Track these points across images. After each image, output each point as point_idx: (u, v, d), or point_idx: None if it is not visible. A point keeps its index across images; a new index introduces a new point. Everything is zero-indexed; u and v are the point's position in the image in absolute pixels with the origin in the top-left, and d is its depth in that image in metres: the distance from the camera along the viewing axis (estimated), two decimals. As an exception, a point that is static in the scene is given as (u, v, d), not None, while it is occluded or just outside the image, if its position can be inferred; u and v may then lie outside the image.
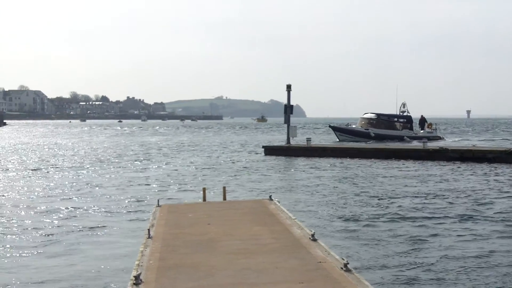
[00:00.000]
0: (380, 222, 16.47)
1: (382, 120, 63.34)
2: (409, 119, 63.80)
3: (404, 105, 66.36)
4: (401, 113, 65.56)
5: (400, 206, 19.30)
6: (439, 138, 63.21)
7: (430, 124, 66.80)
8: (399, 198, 21.31)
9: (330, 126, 67.98)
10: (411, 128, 62.62)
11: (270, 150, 44.47)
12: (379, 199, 20.88)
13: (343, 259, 7.74)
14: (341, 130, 63.94)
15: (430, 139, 60.29)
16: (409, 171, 31.12)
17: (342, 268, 7.44)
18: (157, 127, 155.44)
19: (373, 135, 59.40)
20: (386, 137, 58.07)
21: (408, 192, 22.89)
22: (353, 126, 64.31)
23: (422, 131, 63.68)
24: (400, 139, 57.91)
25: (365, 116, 65.64)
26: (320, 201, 20.58)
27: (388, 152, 40.07)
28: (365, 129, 61.67)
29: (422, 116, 65.50)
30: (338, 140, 62.45)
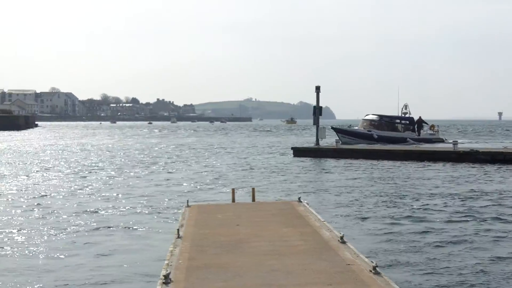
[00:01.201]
0: (411, 225, 16.34)
1: (385, 122, 61.89)
2: (411, 121, 62.46)
3: (406, 106, 64.80)
4: (403, 115, 64.54)
5: (431, 208, 19.14)
6: (441, 140, 62.33)
7: (433, 126, 65.93)
8: (430, 200, 21.13)
9: (332, 128, 67.09)
10: (413, 130, 61.39)
11: (299, 152, 44.41)
12: (409, 201, 20.73)
13: (372, 261, 7.72)
14: (343, 132, 62.74)
15: (432, 141, 59.51)
16: (439, 173, 30.84)
17: (371, 271, 7.42)
18: (187, 129, 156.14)
19: (376, 137, 57.68)
20: (389, 139, 56.35)
21: (439, 194, 22.68)
22: (355, 128, 63.41)
23: (423, 132, 62.77)
24: (403, 141, 56.79)
25: (367, 117, 64.12)
26: (349, 203, 20.50)
27: (417, 153, 39.75)
28: (367, 130, 60.34)
29: (419, 117, 63.34)
30: (340, 142, 61.34)
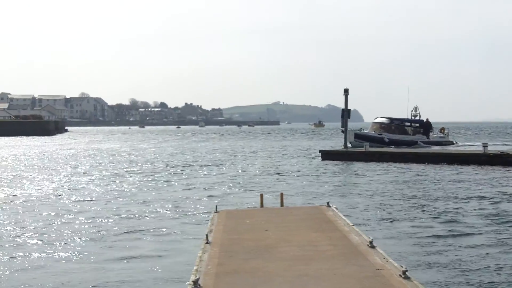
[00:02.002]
0: (441, 228, 16.19)
1: (395, 125, 60.89)
2: (421, 123, 61.44)
3: (416, 109, 63.51)
4: (413, 117, 63.60)
5: (462, 211, 18.96)
6: (451, 143, 61.50)
7: (443, 129, 65.06)
8: (461, 203, 20.93)
9: (342, 131, 66.28)
10: (424, 133, 60.21)
11: (328, 155, 44.28)
12: (440, 204, 20.55)
13: (401, 266, 7.68)
14: (354, 135, 62.28)
15: (442, 144, 58.45)
16: (470, 175, 30.53)
17: (400, 275, 7.38)
18: (215, 132, 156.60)
19: (387, 140, 56.79)
20: (400, 143, 55.42)
21: (470, 197, 22.44)
22: (365, 131, 62.66)
23: (433, 135, 61.91)
24: (414, 144, 55.85)
25: (377, 120, 63.25)
26: (379, 206, 20.38)
27: (447, 156, 39.38)
28: (378, 134, 59.38)
29: (427, 119, 62.45)
30: (350, 146, 60.64)
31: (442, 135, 63.35)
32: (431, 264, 12.29)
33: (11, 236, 15.86)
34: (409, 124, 61.22)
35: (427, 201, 21.45)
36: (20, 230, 16.71)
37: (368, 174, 32.37)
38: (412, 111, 64.05)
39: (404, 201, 21.66)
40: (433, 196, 22.86)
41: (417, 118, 63.03)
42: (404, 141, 55.96)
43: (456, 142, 63.85)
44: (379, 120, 62.99)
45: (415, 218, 17.81)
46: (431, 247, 13.93)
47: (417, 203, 21.09)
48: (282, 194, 15.25)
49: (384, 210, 19.59)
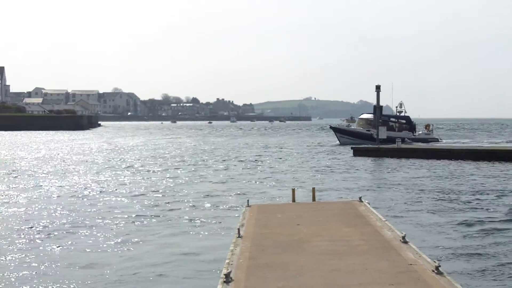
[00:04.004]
0: (475, 224, 16.01)
1: (383, 121, 59.17)
2: (408, 120, 60.83)
3: (401, 105, 62.76)
4: (397, 114, 62.83)
5: (496, 208, 18.74)
6: (436, 140, 60.77)
7: (428, 126, 64.40)
8: (495, 199, 20.68)
9: (331, 127, 65.15)
10: (409, 130, 59.66)
11: (359, 151, 44.08)
12: (473, 200, 20.34)
13: (434, 261, 7.62)
14: (342, 132, 61.01)
15: (428, 140, 57.93)
16: (503, 172, 30.13)
17: (433, 271, 7.32)
18: (248, 128, 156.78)
19: (376, 137, 56.78)
20: (388, 139, 54.55)
21: (504, 193, 22.15)
22: (353, 127, 61.93)
23: (418, 132, 61.23)
24: (401, 141, 54.92)
25: (363, 116, 62.71)
26: (411, 202, 20.23)
27: (480, 153, 38.92)
28: (366, 130, 58.81)
29: (408, 116, 61.98)
30: (339, 142, 59.70)
31: (427, 132, 62.80)
32: (464, 259, 12.18)
33: (65, 225, 16.10)
34: (395, 120, 60.54)
35: (461, 196, 21.25)
36: (76, 219, 16.95)
37: (400, 170, 32.16)
38: (397, 107, 63.34)
39: (437, 196, 21.47)
40: (465, 192, 22.61)
41: (402, 114, 62.49)
42: (392, 138, 54.78)
43: (440, 139, 63.50)
44: (365, 116, 62.47)
45: (448, 213, 17.65)
46: (465, 242, 13.81)
47: (450, 198, 20.90)
48: (314, 189, 15.23)
49: (416, 205, 19.45)
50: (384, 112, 58.44)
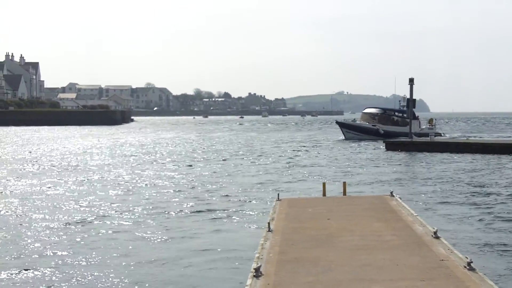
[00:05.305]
0: (509, 220, 15.80)
1: (388, 116, 59.32)
2: (412, 114, 60.11)
3: (404, 99, 62.29)
4: (401, 108, 61.81)
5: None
6: (439, 134, 59.76)
7: (431, 120, 63.53)
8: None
9: (337, 122, 64.23)
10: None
11: (392, 145, 43.74)
12: (508, 196, 20.04)
13: (466, 257, 7.54)
14: (348, 127, 60.10)
15: (429, 135, 57.05)
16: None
17: (465, 267, 7.24)
18: (278, 122, 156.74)
19: (382, 132, 55.56)
20: (394, 134, 53.47)
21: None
22: (358, 121, 60.99)
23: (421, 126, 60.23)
24: (406, 135, 54.20)
25: (367, 110, 61.98)
26: (444, 197, 20.02)
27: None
28: (372, 125, 58.06)
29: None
30: (344, 137, 58.87)
31: (430, 126, 62.05)
32: (498, 256, 12.02)
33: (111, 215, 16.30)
34: (400, 115, 59.86)
35: (495, 191, 20.97)
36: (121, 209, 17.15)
37: (433, 164, 31.84)
38: (400, 101, 62.60)
39: (470, 191, 21.21)
40: (500, 187, 22.29)
41: (405, 108, 61.83)
42: (397, 133, 54.28)
43: (443, 134, 62.92)
44: (370, 110, 61.85)
45: (481, 208, 17.43)
46: (499, 238, 13.62)
47: (483, 193, 20.63)
48: (344, 183, 15.16)
49: (449, 200, 19.25)
50: (415, 108, 58.36)
